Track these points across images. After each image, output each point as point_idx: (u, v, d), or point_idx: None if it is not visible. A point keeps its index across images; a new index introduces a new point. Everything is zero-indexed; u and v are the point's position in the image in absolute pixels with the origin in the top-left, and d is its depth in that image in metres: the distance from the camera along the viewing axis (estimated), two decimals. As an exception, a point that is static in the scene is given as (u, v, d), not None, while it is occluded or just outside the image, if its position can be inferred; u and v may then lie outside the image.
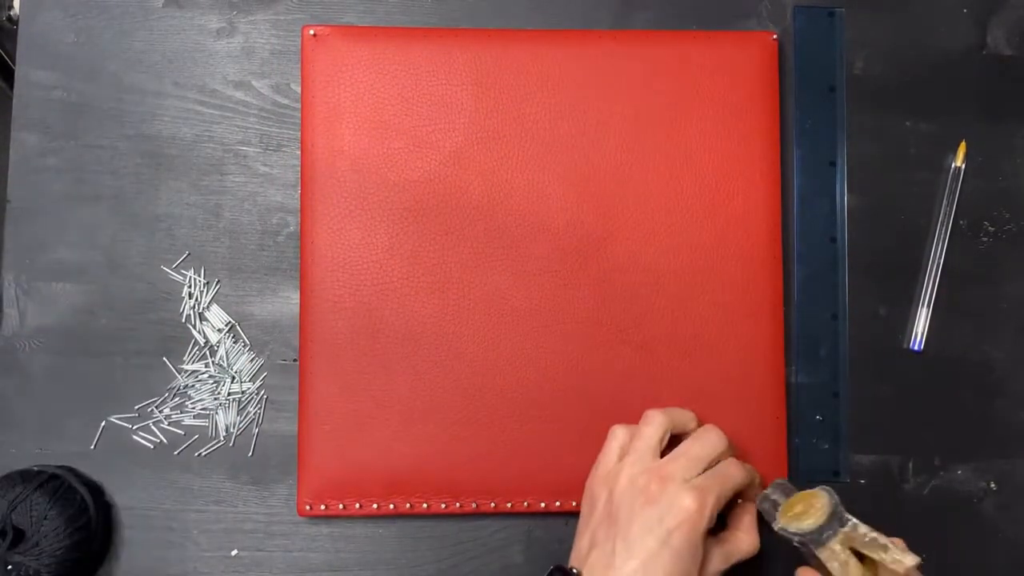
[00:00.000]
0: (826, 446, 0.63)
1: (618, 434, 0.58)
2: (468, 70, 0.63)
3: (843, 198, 0.65)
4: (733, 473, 0.56)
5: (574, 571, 0.53)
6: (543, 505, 0.61)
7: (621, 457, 0.57)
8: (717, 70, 0.64)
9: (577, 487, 0.59)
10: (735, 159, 0.63)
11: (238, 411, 0.62)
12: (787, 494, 0.57)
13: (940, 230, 0.65)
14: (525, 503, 0.61)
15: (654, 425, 0.57)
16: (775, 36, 0.65)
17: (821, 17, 0.66)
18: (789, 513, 0.55)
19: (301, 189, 0.62)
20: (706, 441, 0.56)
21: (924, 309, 0.65)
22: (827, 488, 0.55)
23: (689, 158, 0.63)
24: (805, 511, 0.54)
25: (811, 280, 0.64)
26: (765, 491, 0.58)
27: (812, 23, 0.66)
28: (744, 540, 0.57)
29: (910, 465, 0.64)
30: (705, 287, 0.63)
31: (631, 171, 0.63)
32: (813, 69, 0.66)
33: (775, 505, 0.57)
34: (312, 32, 0.63)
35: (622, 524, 0.53)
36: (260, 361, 0.63)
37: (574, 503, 0.61)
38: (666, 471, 0.54)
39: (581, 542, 0.55)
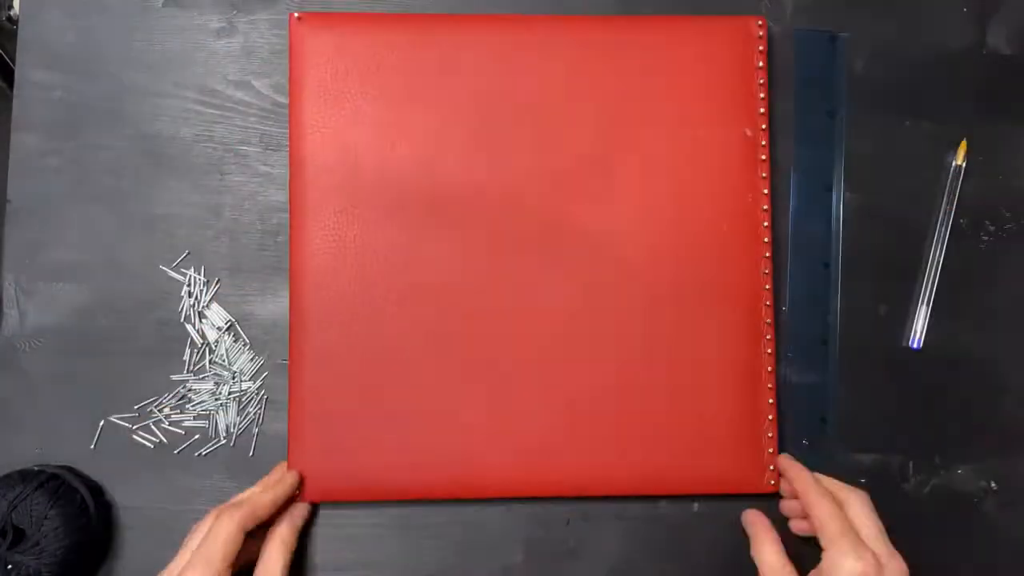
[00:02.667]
0: (822, 446, 0.63)
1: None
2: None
3: (839, 208, 0.65)
4: (213, 544, 0.54)
5: None
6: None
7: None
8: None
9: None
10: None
11: (238, 411, 0.62)
12: None
13: (940, 229, 0.65)
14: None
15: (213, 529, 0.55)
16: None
17: (823, 42, 0.66)
18: None
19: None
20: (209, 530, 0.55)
21: (924, 307, 0.65)
22: None
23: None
24: None
25: (804, 290, 0.64)
26: None
27: (813, 48, 0.66)
28: None
29: (910, 465, 0.64)
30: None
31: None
32: (813, 94, 0.66)
33: None
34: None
35: None
36: (260, 361, 0.63)
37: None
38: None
39: None
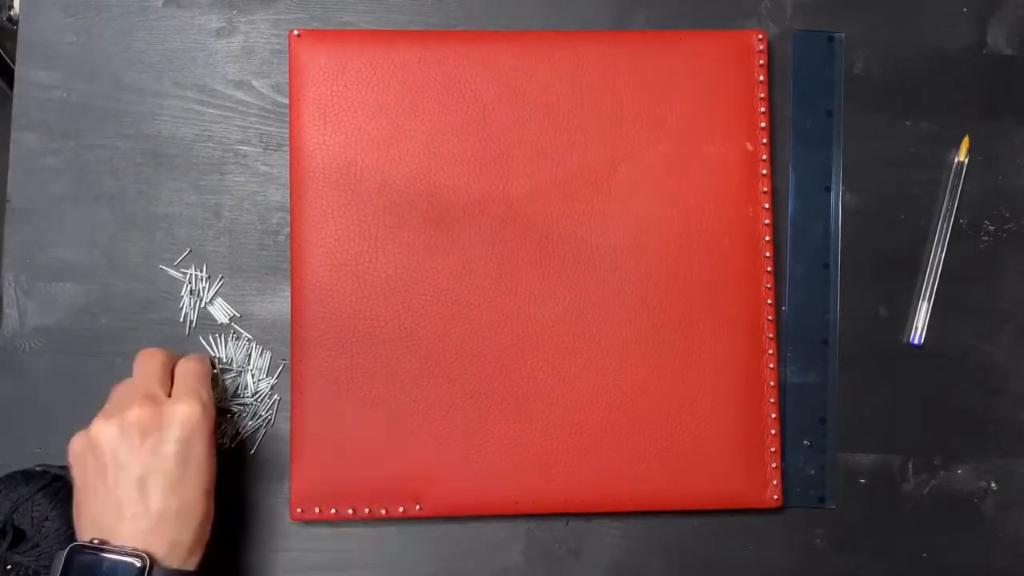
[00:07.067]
0: (823, 446, 0.63)
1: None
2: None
3: (837, 208, 0.65)
4: (194, 368, 0.57)
5: (94, 541, 0.51)
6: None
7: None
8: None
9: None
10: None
11: (238, 411, 0.62)
12: None
13: (942, 226, 0.65)
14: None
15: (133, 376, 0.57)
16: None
17: (820, 42, 0.66)
18: None
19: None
20: (144, 359, 0.57)
21: (924, 304, 0.65)
22: None
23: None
24: None
25: (804, 290, 0.64)
26: None
27: (811, 48, 0.66)
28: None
29: (910, 465, 0.64)
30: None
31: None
32: (811, 94, 0.66)
33: None
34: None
35: (124, 467, 0.52)
36: (260, 361, 0.63)
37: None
38: (144, 393, 0.54)
39: (82, 514, 0.53)
